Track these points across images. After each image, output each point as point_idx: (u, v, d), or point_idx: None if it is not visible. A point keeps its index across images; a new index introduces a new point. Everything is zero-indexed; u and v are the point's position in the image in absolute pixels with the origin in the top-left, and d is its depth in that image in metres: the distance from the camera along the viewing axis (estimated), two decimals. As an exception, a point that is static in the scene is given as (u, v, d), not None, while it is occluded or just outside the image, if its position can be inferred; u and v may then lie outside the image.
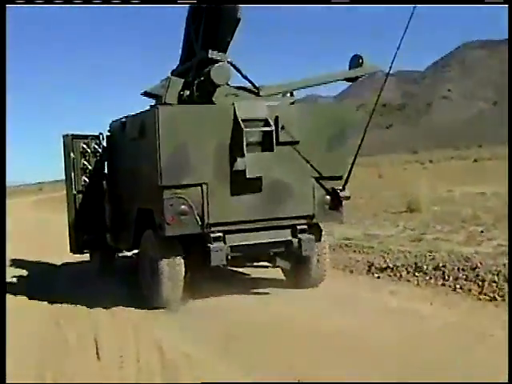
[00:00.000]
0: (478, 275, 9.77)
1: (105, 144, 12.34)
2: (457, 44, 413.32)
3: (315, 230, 10.23)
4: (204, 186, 9.25)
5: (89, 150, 12.28)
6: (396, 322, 7.98)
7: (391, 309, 8.71)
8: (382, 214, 20.19)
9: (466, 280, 9.83)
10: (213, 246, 9.31)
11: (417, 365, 6.43)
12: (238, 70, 10.49)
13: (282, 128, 9.60)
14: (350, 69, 11.59)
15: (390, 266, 11.39)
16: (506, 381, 5.95)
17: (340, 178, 10.05)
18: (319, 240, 10.39)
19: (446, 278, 10.16)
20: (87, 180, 12.27)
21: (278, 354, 6.97)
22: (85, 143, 12.25)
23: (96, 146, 12.35)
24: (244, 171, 9.34)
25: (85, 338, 8.17)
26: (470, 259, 10.75)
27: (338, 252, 13.77)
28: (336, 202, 10.11)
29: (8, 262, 14.70)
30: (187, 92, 10.41)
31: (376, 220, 18.75)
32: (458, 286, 9.69)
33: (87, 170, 12.27)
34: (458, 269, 10.33)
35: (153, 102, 10.76)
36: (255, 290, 10.56)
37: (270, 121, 9.53)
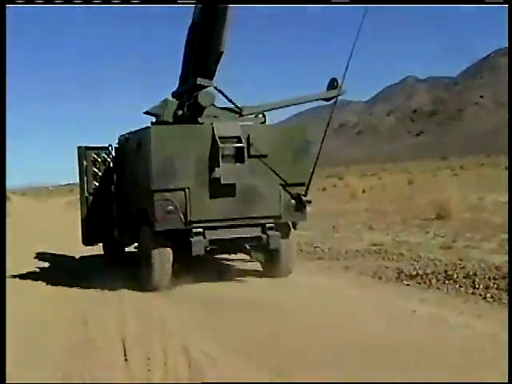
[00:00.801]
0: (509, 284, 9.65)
1: (113, 154, 14.48)
2: (489, 50, 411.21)
3: (283, 229, 12.13)
4: (187, 190, 11.39)
5: (99, 159, 14.52)
6: (424, 331, 7.86)
7: (420, 317, 8.58)
8: (411, 220, 20.07)
9: (496, 289, 9.71)
10: (194, 239, 11.38)
11: (444, 373, 6.35)
12: (223, 94, 12.87)
13: (252, 144, 11.73)
14: (327, 90, 13.73)
15: (420, 273, 11.28)
16: (506, 381, 5.93)
17: (303, 184, 11.99)
18: (287, 237, 12.33)
19: (477, 286, 10.03)
20: (97, 184, 14.49)
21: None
22: (95, 153, 14.53)
23: (105, 156, 14.56)
24: (219, 178, 11.43)
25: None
26: (501, 268, 10.62)
27: (366, 258, 13.73)
28: (299, 205, 11.99)
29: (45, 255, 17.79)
30: (180, 112, 12.70)
31: (405, 226, 18.65)
32: (488, 295, 9.54)
33: (97, 176, 14.51)
34: (489, 277, 10.23)
35: (153, 119, 13.10)
36: (236, 279, 12.50)
37: (242, 138, 11.68)
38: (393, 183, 48.95)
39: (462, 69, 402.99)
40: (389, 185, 46.31)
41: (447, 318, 8.37)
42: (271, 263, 12.58)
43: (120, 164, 14.16)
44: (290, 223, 12.36)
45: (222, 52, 12.43)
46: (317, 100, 14.10)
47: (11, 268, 14.31)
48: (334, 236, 17.93)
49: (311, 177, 11.99)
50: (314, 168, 12.14)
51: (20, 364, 7.30)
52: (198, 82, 12.49)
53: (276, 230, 11.91)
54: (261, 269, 13.07)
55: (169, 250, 11.73)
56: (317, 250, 15.54)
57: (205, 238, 11.48)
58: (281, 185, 11.89)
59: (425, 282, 10.86)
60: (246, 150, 11.65)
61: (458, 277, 10.63)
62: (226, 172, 11.45)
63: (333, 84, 13.54)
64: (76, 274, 14.15)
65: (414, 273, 11.39)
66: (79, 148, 14.43)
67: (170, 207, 11.29)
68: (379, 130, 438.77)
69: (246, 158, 11.62)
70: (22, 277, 14.07)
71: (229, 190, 11.56)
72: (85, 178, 14.43)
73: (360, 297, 10.17)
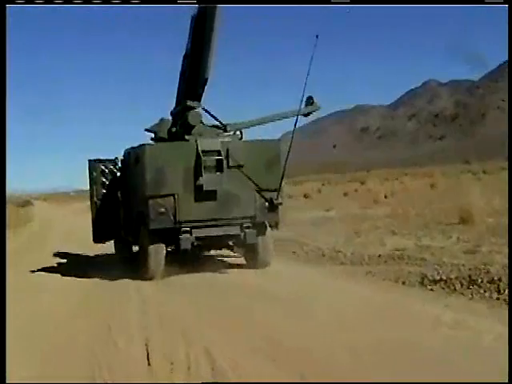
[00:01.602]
0: (534, 289, 9.56)
1: (120, 165, 16.90)
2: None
3: (259, 227, 14.51)
4: (176, 196, 13.78)
5: (106, 170, 16.90)
6: (449, 337, 7.81)
7: (444, 322, 8.51)
8: (434, 225, 19.97)
9: (522, 294, 9.62)
10: (182, 236, 13.88)
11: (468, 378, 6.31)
12: (209, 113, 15.53)
13: (230, 156, 14.09)
14: (306, 106, 16.50)
15: (444, 278, 11.19)
16: (506, 381, 5.95)
17: (275, 190, 14.30)
18: (264, 234, 14.71)
19: (501, 291, 9.95)
20: (104, 191, 16.89)
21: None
22: (103, 165, 16.92)
23: (112, 167, 16.96)
24: (203, 186, 13.81)
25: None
26: (526, 273, 10.52)
27: (389, 263, 13.67)
28: (272, 207, 14.35)
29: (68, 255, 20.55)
30: (174, 129, 15.49)
31: (428, 231, 18.55)
32: (513, 300, 9.46)
33: (105, 185, 16.90)
34: (514, 282, 10.13)
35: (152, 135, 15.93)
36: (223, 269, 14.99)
37: (221, 152, 14.10)
38: (415, 188, 48.79)
39: (484, 72, 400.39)
40: (411, 189, 46.17)
41: (472, 324, 8.30)
42: (251, 256, 15.07)
43: (124, 174, 16.57)
44: (267, 223, 14.73)
45: (207, 78, 14.80)
46: (296, 116, 15.39)
47: (38, 262, 17.84)
48: (356, 241, 17.85)
49: (281, 182, 14.34)
50: (283, 175, 14.43)
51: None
52: (188, 104, 15.08)
53: (253, 229, 14.35)
54: (244, 262, 15.43)
55: (162, 245, 14.23)
56: (339, 255, 15.48)
57: (191, 235, 13.97)
58: (256, 190, 14.23)
59: (449, 287, 10.79)
60: (225, 161, 14.08)
61: (482, 282, 10.55)
62: (208, 180, 13.88)
63: (309, 101, 16.64)
64: (91, 268, 16.71)
65: (438, 278, 11.31)
66: (89, 161, 16.97)
67: (162, 210, 13.71)
68: (401, 134, 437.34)
69: (225, 168, 14.05)
70: (48, 269, 17.06)
71: (211, 195, 13.95)
72: (94, 187, 16.96)
73: (383, 302, 10.11)
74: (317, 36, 14.35)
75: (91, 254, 19.92)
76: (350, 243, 17.40)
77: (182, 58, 15.56)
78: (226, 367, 7.11)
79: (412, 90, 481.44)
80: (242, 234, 14.30)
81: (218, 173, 14.01)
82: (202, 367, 7.22)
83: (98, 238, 17.39)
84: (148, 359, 7.78)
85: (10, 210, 65.39)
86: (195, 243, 14.06)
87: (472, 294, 10.20)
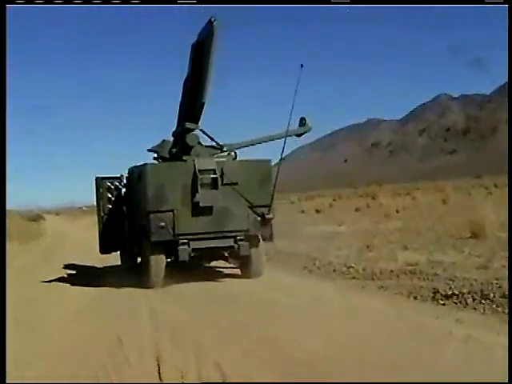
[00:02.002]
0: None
1: (125, 182, 18.07)
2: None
3: (252, 240, 15.55)
4: (175, 211, 14.90)
5: (112, 187, 18.13)
6: (461, 352, 7.80)
7: (456, 337, 8.50)
8: (446, 239, 19.92)
9: (535, 309, 9.60)
10: (180, 247, 14.96)
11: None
12: (207, 135, 16.63)
13: (225, 175, 15.22)
14: (299, 127, 17.91)
15: (456, 293, 11.17)
16: (506, 381, 6.05)
17: (266, 205, 15.44)
18: (256, 246, 15.76)
19: (514, 306, 9.92)
20: (110, 206, 18.09)
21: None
22: (110, 182, 18.19)
23: (117, 184, 18.16)
24: (198, 202, 14.93)
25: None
26: (539, 288, 10.49)
27: (401, 278, 13.64)
28: (264, 221, 15.42)
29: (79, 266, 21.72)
30: (174, 149, 16.57)
31: (440, 246, 18.50)
32: (526, 316, 9.45)
33: (111, 200, 18.10)
34: (527, 297, 10.11)
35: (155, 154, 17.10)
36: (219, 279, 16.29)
37: (217, 171, 15.18)
38: (426, 202, 48.68)
39: (495, 86, 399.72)
40: (422, 204, 46.04)
41: (484, 339, 8.27)
42: (244, 267, 16.21)
43: (129, 190, 17.80)
44: (260, 236, 15.73)
45: (204, 103, 15.85)
46: (290, 136, 17.03)
47: (49, 275, 18.76)
48: (368, 255, 17.83)
49: (272, 199, 15.50)
50: (273, 193, 15.59)
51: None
52: (186, 126, 16.20)
53: (246, 241, 15.40)
54: (239, 272, 16.62)
55: (162, 256, 15.28)
56: (351, 270, 15.47)
57: (189, 247, 15.05)
58: (248, 206, 15.31)
59: (461, 302, 10.77)
60: (219, 179, 15.17)
61: (494, 296, 10.53)
62: (204, 197, 14.99)
63: (302, 122, 17.94)
64: (98, 278, 17.97)
65: (450, 292, 11.29)
66: (97, 178, 18.28)
67: (162, 223, 14.83)
68: (412, 148, 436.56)
69: (219, 186, 15.14)
70: (59, 279, 18.18)
71: (207, 211, 15.10)
72: (101, 202, 18.18)
73: (395, 316, 10.11)
74: (301, 65, 15.78)
75: (99, 266, 21.13)
76: (361, 258, 17.39)
77: (182, 83, 16.78)
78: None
79: (423, 104, 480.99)
80: (236, 246, 15.39)
81: (213, 190, 15.15)
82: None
83: (105, 249, 18.66)
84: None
85: (21, 224, 65.85)
86: (192, 254, 15.19)
87: (484, 309, 10.19)
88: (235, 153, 16.98)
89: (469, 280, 12.00)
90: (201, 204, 14.98)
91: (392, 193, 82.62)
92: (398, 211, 39.60)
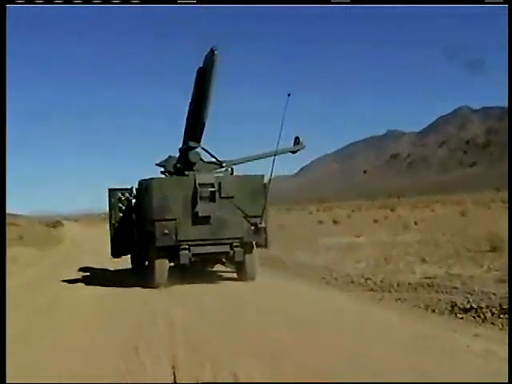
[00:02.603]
0: None
1: (135, 193, 19.87)
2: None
3: (246, 246, 17.29)
4: (177, 220, 16.77)
5: (123, 198, 19.94)
6: (478, 367, 7.70)
7: (474, 352, 8.40)
8: (465, 252, 19.81)
9: (554, 325, 9.50)
10: (181, 252, 16.86)
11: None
12: (208, 152, 18.82)
13: (222, 189, 17.03)
14: (294, 145, 20.29)
15: (474, 306, 11.06)
16: (506, 381, 6.12)
17: (259, 216, 17.14)
18: (251, 252, 17.46)
19: (533, 321, 9.82)
20: (121, 215, 19.88)
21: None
22: (121, 193, 19.99)
23: (128, 195, 19.98)
24: (198, 212, 16.76)
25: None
26: (559, 303, 10.38)
27: (419, 291, 13.54)
28: (256, 230, 17.16)
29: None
30: (179, 165, 18.65)
31: (459, 259, 18.39)
32: (545, 331, 9.34)
33: (122, 209, 19.91)
34: (546, 312, 10.00)
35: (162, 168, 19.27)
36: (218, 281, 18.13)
37: (215, 185, 17.04)
38: (445, 215, 48.50)
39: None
40: (441, 216, 45.90)
41: (502, 355, 8.14)
42: (239, 271, 18.03)
43: (138, 201, 19.57)
44: (254, 243, 17.50)
45: (205, 123, 17.95)
46: (285, 153, 19.84)
47: (69, 275, 21.24)
48: (385, 268, 17.74)
49: (263, 210, 17.20)
50: (266, 205, 17.28)
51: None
52: (189, 144, 18.29)
53: (241, 248, 17.20)
54: (235, 275, 18.37)
55: (166, 260, 17.25)
56: (368, 282, 15.39)
57: (189, 252, 16.93)
58: (243, 216, 17.11)
59: (479, 316, 10.67)
60: (217, 193, 17.01)
61: (513, 311, 10.42)
62: (203, 208, 16.83)
63: (296, 140, 20.27)
64: (111, 278, 20.29)
65: (468, 306, 11.19)
66: (109, 189, 20.13)
67: (166, 231, 16.69)
68: (431, 161, 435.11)
69: (217, 198, 16.99)
70: (75, 281, 19.99)
71: (205, 220, 16.89)
72: (113, 211, 20.02)
73: (412, 330, 10.04)
74: (288, 94, 17.66)
75: (111, 268, 23.19)
76: (379, 270, 17.31)
77: (188, 104, 18.58)
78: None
79: (443, 116, 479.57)
80: (232, 252, 17.20)
81: (211, 202, 17.01)
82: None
83: (116, 253, 20.49)
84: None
85: (40, 231, 66.08)
86: (193, 259, 17.09)
87: (502, 324, 10.07)
88: (232, 169, 18.99)
89: (487, 294, 11.88)
90: (200, 214, 16.83)
91: (410, 205, 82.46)
92: (416, 223, 39.47)
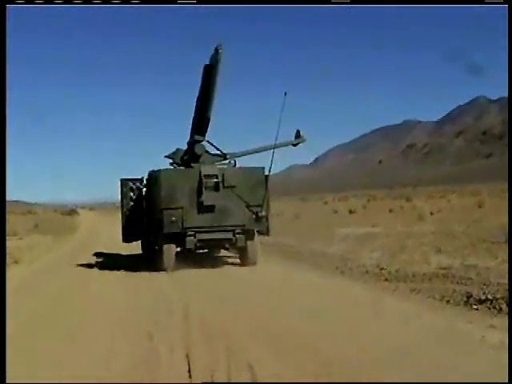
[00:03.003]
0: None
1: (145, 183, 21.10)
2: None
3: (248, 233, 18.74)
4: (183, 208, 18.22)
5: (134, 187, 21.25)
6: (493, 359, 7.66)
7: (489, 344, 8.36)
8: (480, 243, 19.68)
9: None
10: (187, 238, 18.33)
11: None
12: (213, 145, 20.16)
13: (225, 179, 18.43)
14: (295, 138, 21.65)
15: (490, 298, 11.02)
16: (506, 381, 6.07)
17: (260, 205, 18.61)
18: (252, 239, 18.90)
19: (549, 313, 9.77)
20: (132, 203, 21.21)
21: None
22: (132, 183, 21.29)
23: (138, 185, 21.31)
24: (203, 201, 18.17)
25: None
26: None
27: (434, 281, 13.50)
28: (257, 218, 18.60)
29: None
30: (186, 157, 20.08)
31: (474, 250, 18.29)
32: (561, 323, 9.29)
33: (133, 199, 21.23)
34: (562, 304, 9.94)
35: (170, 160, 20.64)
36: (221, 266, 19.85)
37: (218, 176, 18.49)
38: (461, 205, 48.27)
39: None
40: (457, 207, 45.70)
41: (519, 345, 8.12)
42: (242, 256, 19.46)
43: (147, 190, 20.80)
44: (255, 231, 18.92)
45: (209, 118, 19.23)
46: (286, 146, 21.54)
47: (84, 259, 23.63)
48: (401, 258, 17.68)
49: (264, 200, 18.69)
50: (265, 195, 18.83)
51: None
52: (195, 138, 19.69)
53: (243, 235, 18.64)
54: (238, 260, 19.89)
55: (173, 245, 18.61)
56: (383, 272, 15.35)
57: (195, 238, 18.39)
58: (245, 205, 18.54)
59: (494, 307, 10.63)
60: (221, 183, 18.41)
61: (529, 303, 10.38)
62: (207, 197, 18.25)
63: (297, 133, 21.60)
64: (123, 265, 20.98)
65: (484, 297, 11.15)
66: (121, 179, 21.41)
67: (173, 218, 18.13)
68: (447, 151, 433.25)
69: (221, 188, 18.38)
70: (89, 265, 21.94)
71: (210, 209, 18.31)
72: (124, 200, 21.26)
73: (427, 320, 10.01)
74: (285, 93, 19.26)
75: (124, 253, 25.11)
76: (394, 260, 17.25)
77: (195, 100, 19.93)
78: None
79: (460, 106, 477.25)
80: (234, 239, 18.64)
81: (215, 192, 18.41)
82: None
83: (127, 239, 21.90)
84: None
85: (55, 219, 66.39)
86: (197, 244, 18.62)
87: (518, 315, 10.03)
88: (235, 161, 20.48)
89: (503, 285, 11.82)
90: (205, 203, 18.22)
91: (426, 195, 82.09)
92: (432, 214, 39.32)
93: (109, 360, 8.32)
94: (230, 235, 18.61)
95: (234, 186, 18.49)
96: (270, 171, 19.18)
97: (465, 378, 6.91)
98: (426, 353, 7.97)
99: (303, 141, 21.69)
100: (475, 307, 10.88)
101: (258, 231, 19.12)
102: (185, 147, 20.56)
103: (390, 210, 47.42)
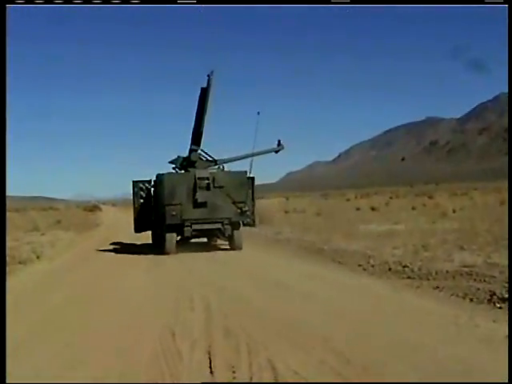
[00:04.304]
0: None
1: (152, 183, 25.29)
2: None
3: (234, 224, 23.33)
4: (182, 204, 22.64)
5: (143, 187, 25.50)
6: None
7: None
8: (504, 241, 19.49)
9: None
10: (185, 228, 22.86)
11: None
12: (205, 153, 24.95)
13: (215, 181, 22.84)
14: (277, 146, 26.46)
15: (514, 296, 10.93)
16: (506, 381, 6.05)
17: (243, 202, 23.12)
18: (238, 229, 23.50)
19: None
20: (142, 200, 25.58)
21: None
22: (142, 184, 25.53)
23: (147, 185, 25.52)
24: (197, 199, 22.52)
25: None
26: None
27: (457, 279, 13.39)
28: (241, 212, 23.08)
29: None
30: (185, 163, 24.51)
31: (498, 247, 18.13)
32: None
33: (142, 197, 25.56)
34: None
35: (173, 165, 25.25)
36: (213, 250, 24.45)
37: (209, 178, 22.88)
38: (484, 203, 47.97)
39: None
40: (480, 204, 45.44)
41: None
42: (230, 242, 24.01)
43: (155, 190, 25.01)
44: (241, 222, 23.64)
45: (202, 132, 24.31)
46: (269, 152, 26.44)
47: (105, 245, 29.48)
48: (423, 255, 17.56)
49: (246, 197, 23.51)
50: (252, 193, 24.53)
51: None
52: (192, 147, 24.60)
53: (229, 225, 23.19)
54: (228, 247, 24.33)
55: (174, 234, 23.34)
56: (406, 270, 15.25)
57: (191, 228, 22.99)
58: (231, 202, 22.98)
59: (519, 306, 10.54)
60: (211, 184, 22.85)
61: (553, 301, 10.28)
62: (200, 195, 22.69)
63: (279, 142, 26.55)
64: (136, 250, 26.46)
65: (507, 295, 11.04)
66: (133, 181, 25.69)
67: (174, 212, 22.67)
68: (471, 148, 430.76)
69: (211, 188, 22.82)
70: (111, 251, 27.32)
71: (203, 204, 22.77)
72: (135, 198, 25.66)
73: (450, 318, 9.93)
74: (258, 113, 25.64)
75: (138, 243, 28.85)
76: (417, 257, 17.14)
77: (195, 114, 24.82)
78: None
79: (483, 103, 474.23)
80: (223, 228, 23.23)
81: (207, 191, 22.82)
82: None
83: (137, 229, 26.33)
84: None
85: (78, 215, 66.75)
86: (193, 233, 23.34)
87: (543, 314, 9.93)
88: (223, 166, 25.17)
89: (527, 283, 11.72)
90: (199, 200, 22.68)
91: (449, 192, 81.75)
92: (454, 211, 39.15)
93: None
94: (219, 226, 23.13)
95: (222, 187, 22.98)
96: (250, 173, 24.41)
97: (486, 377, 6.87)
98: (448, 350, 7.91)
99: (282, 148, 26.54)
100: (498, 306, 10.76)
101: (243, 223, 23.87)
102: (184, 154, 24.92)
103: (413, 208, 47.24)
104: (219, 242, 25.98)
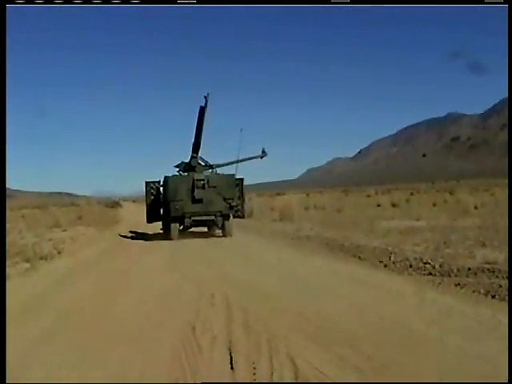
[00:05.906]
0: None
1: (161, 183, 29.98)
2: None
3: (225, 217, 28.32)
4: (183, 201, 27.78)
5: (154, 186, 30.50)
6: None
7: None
8: (526, 238, 19.34)
9: None
10: (185, 219, 28.20)
11: None
12: (203, 159, 30.22)
13: (209, 182, 28.11)
14: (261, 153, 32.05)
15: (537, 293, 10.84)
16: (506, 381, 6.08)
17: (232, 198, 28.15)
18: (228, 220, 28.37)
19: None
20: (152, 197, 30.62)
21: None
22: (153, 183, 30.58)
23: (157, 185, 30.39)
24: (195, 196, 27.74)
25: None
26: None
27: (479, 276, 13.29)
28: (231, 207, 28.08)
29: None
30: (187, 167, 29.72)
31: (520, 244, 17.98)
32: None
33: (153, 194, 30.58)
34: None
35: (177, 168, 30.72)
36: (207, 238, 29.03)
37: (205, 180, 28.14)
38: (506, 199, 47.65)
39: None
40: (502, 201, 45.09)
41: None
42: (222, 231, 28.96)
43: (163, 189, 29.62)
44: (231, 215, 28.57)
45: (200, 142, 29.99)
46: (255, 158, 31.92)
47: (127, 234, 34.89)
48: (445, 252, 17.45)
49: (235, 194, 28.53)
50: (242, 191, 30.07)
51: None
52: (192, 155, 29.99)
53: (221, 217, 28.26)
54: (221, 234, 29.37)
55: (177, 224, 28.32)
56: (427, 266, 15.15)
57: (190, 219, 28.11)
58: (222, 198, 27.94)
59: (542, 303, 10.45)
60: (206, 184, 27.95)
61: None
62: (197, 193, 27.75)
63: (263, 150, 32.11)
64: (149, 237, 31.58)
65: (530, 292, 10.97)
66: (145, 182, 30.83)
67: (177, 207, 27.72)
68: (492, 144, 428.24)
69: (206, 188, 27.90)
70: (130, 237, 33.04)
71: (199, 201, 27.79)
72: (147, 195, 30.73)
73: (472, 315, 9.86)
74: (241, 130, 31.03)
75: (151, 232, 33.55)
76: (438, 254, 17.03)
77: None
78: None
79: (505, 98, 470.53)
80: (216, 220, 28.46)
81: (203, 190, 27.92)
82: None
83: (149, 220, 31.43)
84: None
85: (98, 212, 67.06)
86: (192, 224, 28.61)
87: None
88: (216, 170, 30.45)
89: (551, 280, 11.62)
90: (196, 197, 27.80)
91: (470, 188, 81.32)
92: (476, 207, 38.93)
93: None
94: (212, 217, 28.42)
95: (215, 186, 28.12)
96: (236, 174, 29.73)
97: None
98: (470, 347, 7.86)
99: (266, 155, 32.13)
100: (522, 302, 10.68)
101: (233, 215, 28.96)
102: (187, 160, 30.18)
103: (434, 204, 47.03)
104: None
